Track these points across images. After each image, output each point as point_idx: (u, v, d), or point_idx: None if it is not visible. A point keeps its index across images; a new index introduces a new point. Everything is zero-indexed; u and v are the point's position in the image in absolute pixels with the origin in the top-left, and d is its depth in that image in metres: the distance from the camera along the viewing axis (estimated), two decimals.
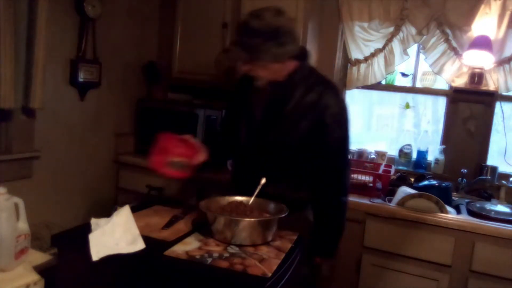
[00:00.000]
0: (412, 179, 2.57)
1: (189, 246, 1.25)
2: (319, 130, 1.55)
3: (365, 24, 2.76)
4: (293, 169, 1.62)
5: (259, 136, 1.64)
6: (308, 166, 1.61)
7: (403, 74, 2.90)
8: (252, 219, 1.31)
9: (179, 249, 1.22)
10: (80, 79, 2.52)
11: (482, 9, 2.47)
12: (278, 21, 1.45)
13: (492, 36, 2.44)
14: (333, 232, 1.66)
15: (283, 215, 1.35)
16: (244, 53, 1.47)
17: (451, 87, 2.69)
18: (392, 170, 2.65)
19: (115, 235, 1.22)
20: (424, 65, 2.78)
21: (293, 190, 1.62)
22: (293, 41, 1.50)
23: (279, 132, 1.59)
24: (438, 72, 2.66)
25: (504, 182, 2.43)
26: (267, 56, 1.46)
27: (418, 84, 2.85)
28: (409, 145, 2.82)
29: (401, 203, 2.25)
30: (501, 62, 2.50)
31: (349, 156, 1.64)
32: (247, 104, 1.69)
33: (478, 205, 2.32)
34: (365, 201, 2.30)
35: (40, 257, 1.20)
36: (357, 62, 2.83)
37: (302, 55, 1.60)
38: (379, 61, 2.77)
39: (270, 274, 1.11)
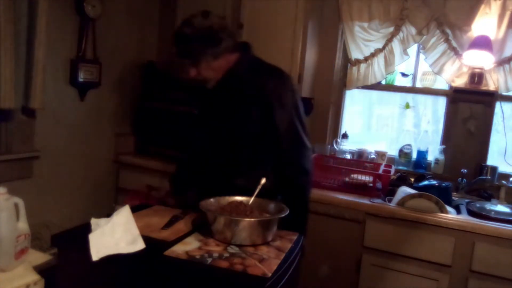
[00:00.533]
0: (412, 179, 2.57)
1: (189, 246, 1.25)
2: (269, 114, 1.59)
3: (365, 24, 2.76)
4: (255, 159, 1.65)
5: (218, 135, 1.70)
6: (269, 154, 1.64)
7: (403, 74, 2.90)
8: (252, 219, 1.31)
9: (179, 249, 1.22)
10: (80, 79, 2.52)
11: (482, 9, 2.47)
12: (207, 22, 1.58)
13: (492, 36, 2.44)
14: (299, 211, 1.66)
15: (283, 215, 1.35)
16: (186, 60, 1.60)
17: (451, 87, 2.69)
18: (392, 170, 2.65)
19: (115, 235, 1.22)
20: (424, 65, 2.78)
21: (259, 180, 1.62)
22: (227, 37, 1.60)
23: (235, 124, 1.64)
24: (438, 72, 2.66)
25: (504, 182, 2.42)
26: (206, 56, 1.58)
27: (418, 84, 2.85)
28: (409, 145, 2.82)
29: (401, 203, 2.25)
30: (501, 62, 2.50)
31: (305, 138, 1.65)
32: (205, 109, 1.80)
33: (478, 205, 2.32)
34: (365, 201, 2.30)
35: (40, 257, 1.19)
36: (357, 62, 2.83)
37: (243, 47, 1.68)
38: (379, 61, 2.77)
39: (270, 274, 1.10)
